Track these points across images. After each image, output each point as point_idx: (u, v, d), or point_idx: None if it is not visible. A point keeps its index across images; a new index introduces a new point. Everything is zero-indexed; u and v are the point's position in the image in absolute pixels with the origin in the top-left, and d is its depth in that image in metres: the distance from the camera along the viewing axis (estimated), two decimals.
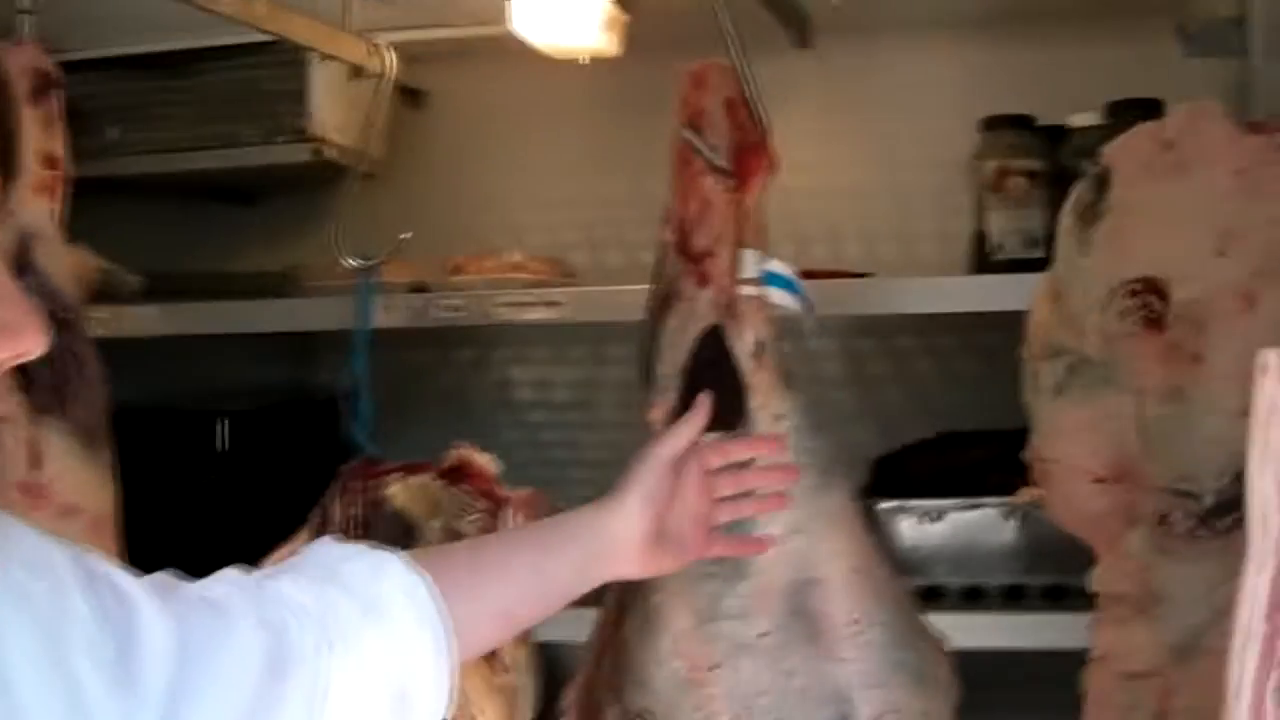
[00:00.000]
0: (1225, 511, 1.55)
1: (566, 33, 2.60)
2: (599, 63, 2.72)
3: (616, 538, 1.54)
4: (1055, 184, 2.74)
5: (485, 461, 2.30)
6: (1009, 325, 2.97)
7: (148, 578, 1.17)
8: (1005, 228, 2.72)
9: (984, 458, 2.78)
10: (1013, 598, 2.50)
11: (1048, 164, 2.73)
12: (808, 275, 2.04)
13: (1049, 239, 2.68)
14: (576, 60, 2.71)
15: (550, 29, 2.59)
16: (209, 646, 1.14)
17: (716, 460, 1.74)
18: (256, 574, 1.27)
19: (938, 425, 2.87)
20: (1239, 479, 1.56)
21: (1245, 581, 0.87)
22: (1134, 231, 1.58)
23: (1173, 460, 1.57)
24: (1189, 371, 1.56)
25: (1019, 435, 2.84)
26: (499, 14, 2.63)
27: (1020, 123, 2.77)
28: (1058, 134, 2.79)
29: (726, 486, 1.74)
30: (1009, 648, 2.39)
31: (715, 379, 1.95)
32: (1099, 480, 1.64)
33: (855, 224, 3.10)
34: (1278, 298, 1.52)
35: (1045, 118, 2.78)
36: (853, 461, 2.07)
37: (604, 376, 3.23)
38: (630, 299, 2.64)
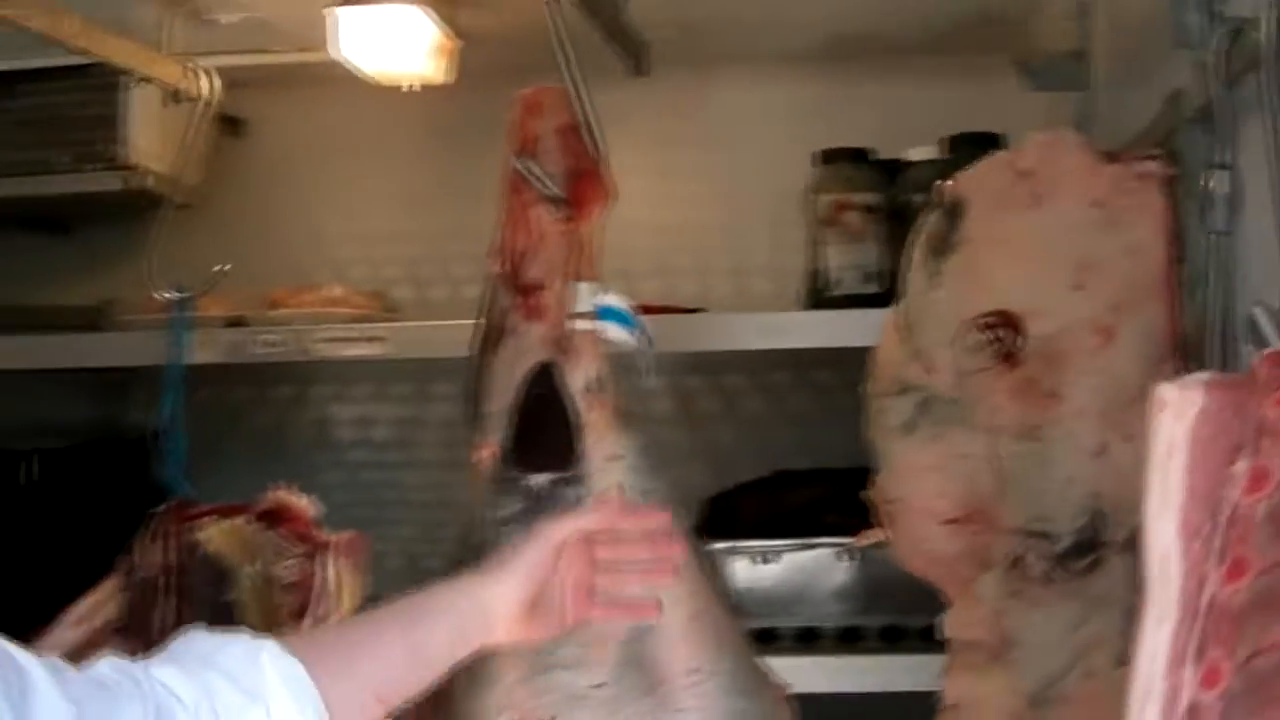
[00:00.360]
0: (1082, 553, 1.51)
1: (394, 59, 2.51)
2: (428, 91, 2.63)
3: (492, 609, 1.48)
4: (892, 219, 2.71)
5: (303, 504, 2.18)
6: (845, 362, 2.95)
7: (41, 657, 1.15)
8: (841, 263, 2.68)
9: (818, 497, 2.73)
10: (848, 640, 2.45)
11: (885, 198, 2.70)
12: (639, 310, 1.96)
13: (886, 274, 2.67)
14: (403, 88, 2.60)
15: (377, 55, 2.49)
16: None
17: (603, 534, 1.63)
18: (140, 662, 1.25)
19: (771, 464, 2.81)
20: (1096, 519, 1.53)
21: (1144, 635, 0.81)
22: (988, 264, 1.52)
23: (1028, 501, 1.51)
24: (1045, 409, 1.50)
25: (854, 474, 2.80)
26: (324, 40, 2.53)
27: (857, 156, 2.74)
28: (895, 168, 2.76)
29: (606, 553, 1.63)
30: (846, 691, 2.34)
31: (547, 418, 1.86)
32: (949, 522, 1.57)
33: (689, 258, 3.04)
34: (1136, 331, 1.47)
35: (883, 152, 2.75)
36: (686, 502, 1.98)
37: (428, 414, 3.13)
38: (455, 334, 2.54)
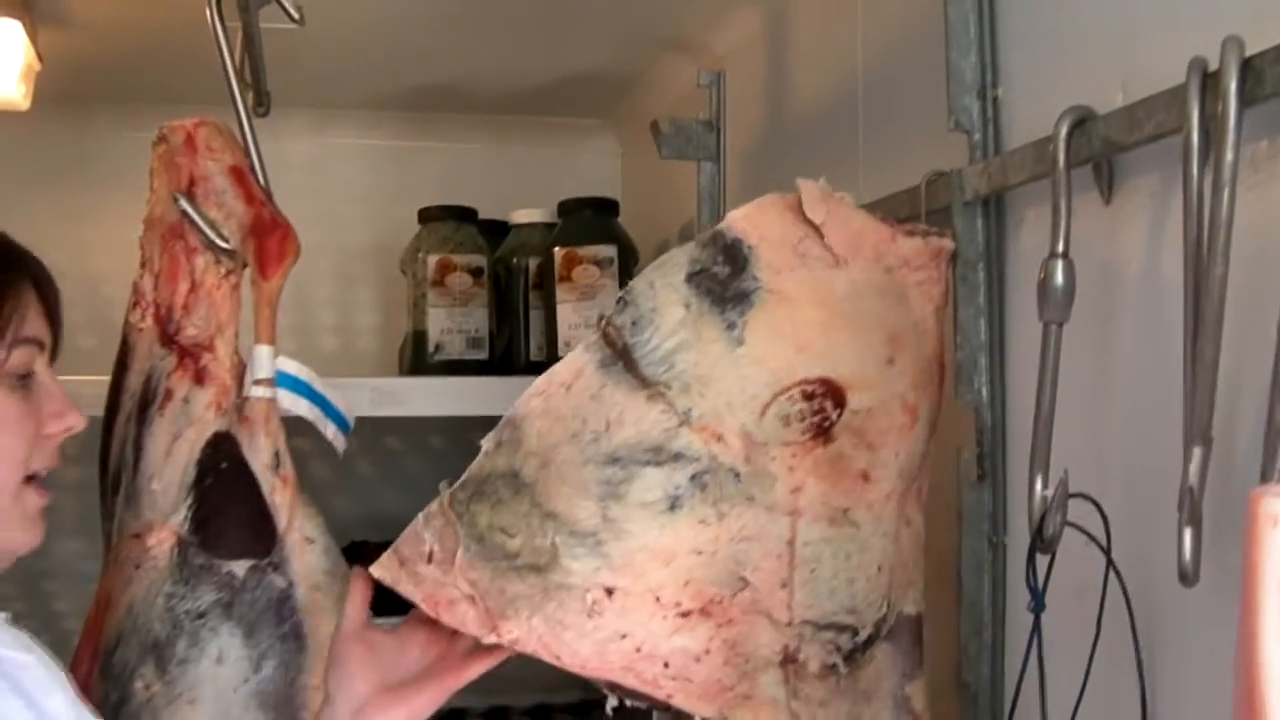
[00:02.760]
0: (869, 645, 1.42)
1: None
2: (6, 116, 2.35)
3: (341, 713, 1.35)
4: (497, 282, 2.62)
5: None
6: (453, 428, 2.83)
7: None
8: (446, 326, 2.56)
9: None
10: (540, 716, 2.35)
11: (490, 260, 2.60)
12: None
13: (489, 339, 2.57)
14: None
15: None
16: None
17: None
18: None
19: (384, 533, 2.64)
20: (889, 608, 1.45)
21: None
22: (804, 324, 1.34)
23: (830, 591, 1.39)
24: (856, 490, 1.38)
25: None
26: None
27: (462, 215, 2.62)
28: (500, 229, 2.66)
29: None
30: None
31: (235, 498, 1.66)
32: (685, 615, 1.40)
33: (294, 314, 2.84)
34: (926, 413, 1.41)
35: (484, 212, 2.65)
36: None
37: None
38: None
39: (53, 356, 1.41)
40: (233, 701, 1.63)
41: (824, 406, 1.36)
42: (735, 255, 1.38)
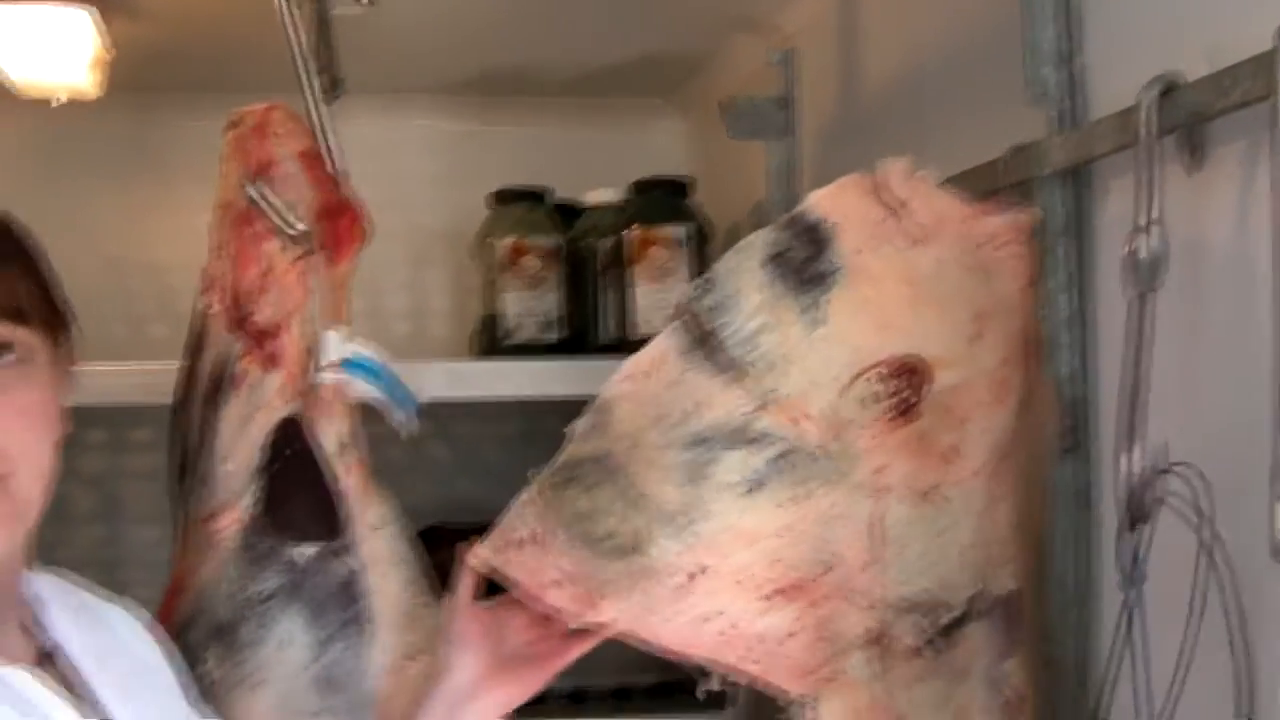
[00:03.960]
0: (961, 624, 1.41)
1: (47, 68, 2.21)
2: (66, 107, 2.35)
3: (460, 682, 1.40)
4: (572, 263, 2.61)
5: None
6: (530, 411, 2.83)
7: None
8: (519, 309, 2.55)
9: None
10: (620, 698, 2.35)
11: (564, 242, 2.59)
12: None
13: (565, 321, 2.56)
14: (44, 103, 2.32)
15: (29, 62, 2.20)
16: None
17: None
18: None
19: (459, 516, 2.64)
20: (985, 585, 1.43)
21: None
22: (887, 303, 1.34)
23: (914, 569, 1.37)
24: (943, 467, 1.37)
25: None
26: None
27: (534, 197, 2.61)
28: (573, 211, 2.66)
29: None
30: None
31: (299, 481, 1.66)
32: (771, 595, 1.39)
33: (364, 300, 2.84)
34: (1016, 388, 1.39)
35: (558, 194, 2.64)
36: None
37: (75, 466, 2.80)
38: (101, 381, 2.31)
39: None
40: (297, 685, 1.64)
41: (907, 385, 1.35)
42: (816, 236, 1.38)
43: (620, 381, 1.42)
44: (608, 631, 1.36)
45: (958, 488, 1.37)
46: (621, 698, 2.38)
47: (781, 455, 1.36)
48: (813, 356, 1.35)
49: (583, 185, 2.65)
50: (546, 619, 1.39)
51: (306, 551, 1.63)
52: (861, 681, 1.39)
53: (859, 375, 1.35)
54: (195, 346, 1.78)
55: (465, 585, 1.42)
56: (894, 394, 1.35)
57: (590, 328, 2.59)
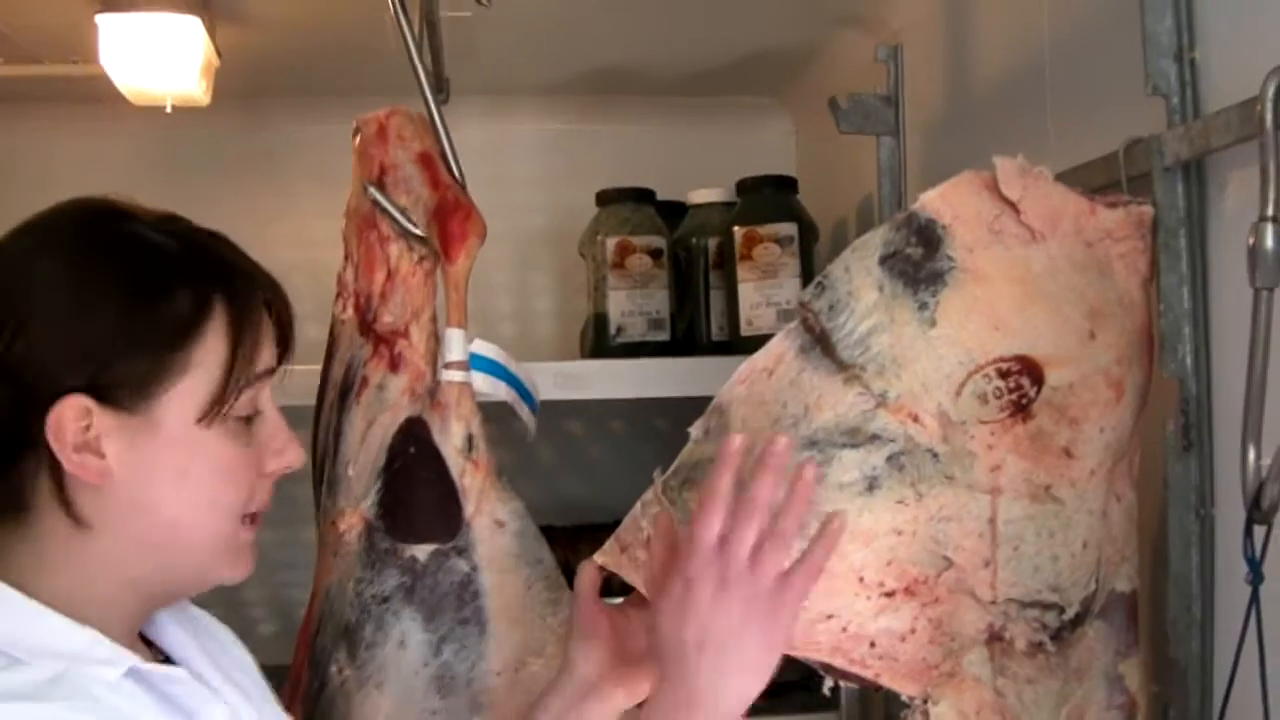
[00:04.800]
0: (1080, 623, 1.40)
1: (158, 76, 2.25)
2: (180, 113, 2.39)
3: (584, 674, 1.41)
4: (677, 263, 2.61)
5: None
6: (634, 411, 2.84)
7: None
8: (627, 308, 2.56)
9: None
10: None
11: (669, 241, 2.60)
12: None
13: (670, 320, 2.57)
14: (159, 110, 2.36)
15: (140, 70, 2.23)
16: None
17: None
18: None
19: (566, 517, 2.66)
20: (1099, 585, 1.43)
21: None
22: (999, 302, 1.33)
23: (1034, 568, 1.37)
24: (1058, 467, 1.36)
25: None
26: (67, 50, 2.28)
27: (640, 197, 2.62)
28: (678, 210, 2.66)
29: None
30: None
31: (419, 481, 1.67)
32: (889, 594, 1.39)
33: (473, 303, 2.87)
34: (1133, 386, 1.38)
35: (661, 193, 2.65)
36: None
37: None
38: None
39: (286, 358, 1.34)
40: (414, 685, 1.65)
41: (1021, 383, 1.35)
42: (929, 236, 1.38)
43: (738, 384, 1.43)
44: None
45: (1072, 487, 1.37)
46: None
47: (895, 455, 1.37)
48: (925, 357, 1.36)
49: (689, 184, 2.67)
50: None
51: (422, 552, 1.65)
52: (977, 679, 1.38)
53: (971, 375, 1.35)
54: (329, 353, 1.81)
55: (590, 581, 1.43)
56: (1006, 394, 1.35)
57: (697, 326, 2.60)
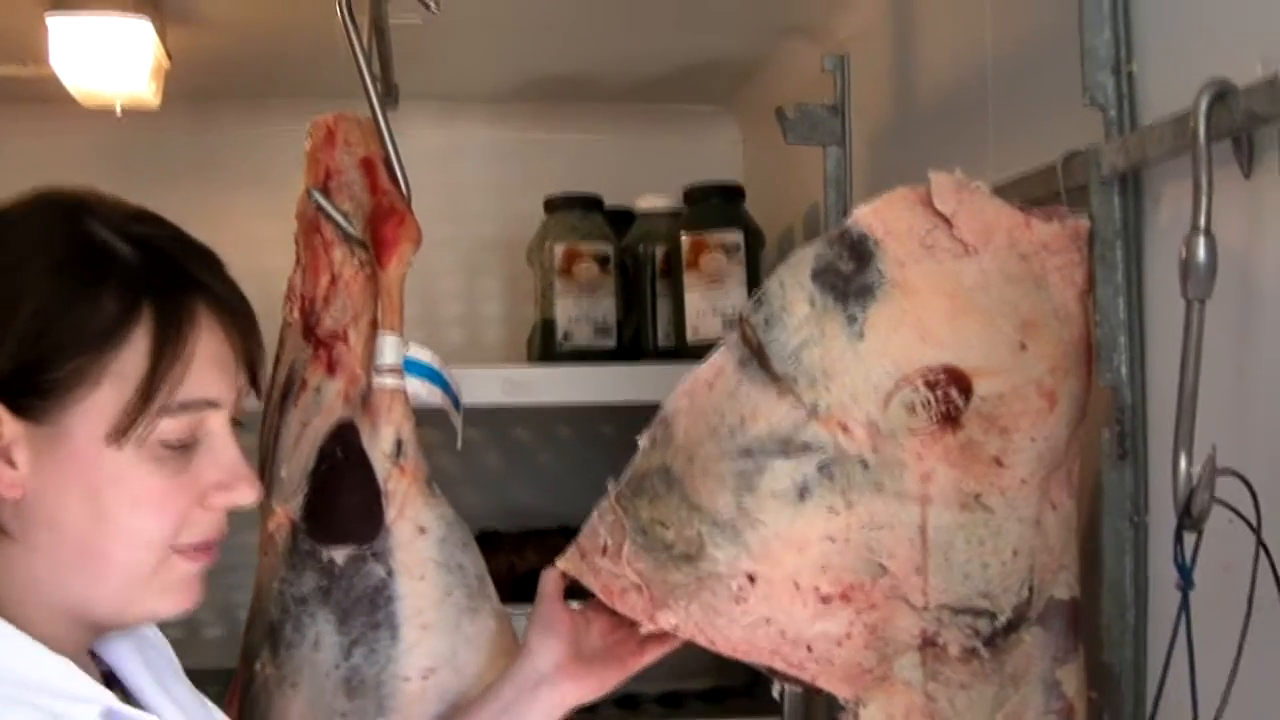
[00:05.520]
0: (1012, 629, 1.42)
1: (108, 78, 2.25)
2: (130, 115, 2.38)
3: (539, 666, 1.45)
4: (624, 270, 2.63)
5: None
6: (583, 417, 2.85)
7: None
8: (574, 314, 2.57)
9: (548, 559, 2.63)
10: (672, 704, 2.37)
11: (617, 248, 2.61)
12: None
13: (616, 327, 2.58)
14: (108, 111, 2.35)
15: (90, 72, 2.23)
16: None
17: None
18: None
19: (513, 522, 2.67)
20: (1031, 592, 1.45)
21: None
22: (927, 315, 1.35)
23: (964, 575, 1.39)
24: (988, 475, 1.38)
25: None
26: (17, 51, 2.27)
27: (587, 204, 2.63)
28: (626, 217, 2.67)
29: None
30: None
31: (346, 484, 1.68)
32: (825, 600, 1.42)
33: (419, 306, 2.87)
34: (1067, 396, 1.40)
35: (612, 201, 2.66)
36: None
37: None
38: None
39: (256, 392, 1.25)
40: (325, 686, 1.66)
41: (949, 394, 1.38)
42: (861, 251, 1.41)
43: (681, 395, 1.47)
44: (681, 637, 1.41)
45: (1002, 496, 1.39)
46: (673, 703, 2.40)
47: (826, 464, 1.40)
48: (854, 369, 1.39)
49: (638, 191, 2.68)
50: (628, 623, 1.44)
51: (341, 554, 1.65)
52: (907, 684, 1.41)
53: (898, 386, 1.38)
54: (276, 356, 1.81)
55: (554, 584, 1.47)
56: (934, 404, 1.37)
57: (644, 333, 2.62)
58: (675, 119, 2.99)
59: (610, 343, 2.58)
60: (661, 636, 1.43)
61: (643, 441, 1.48)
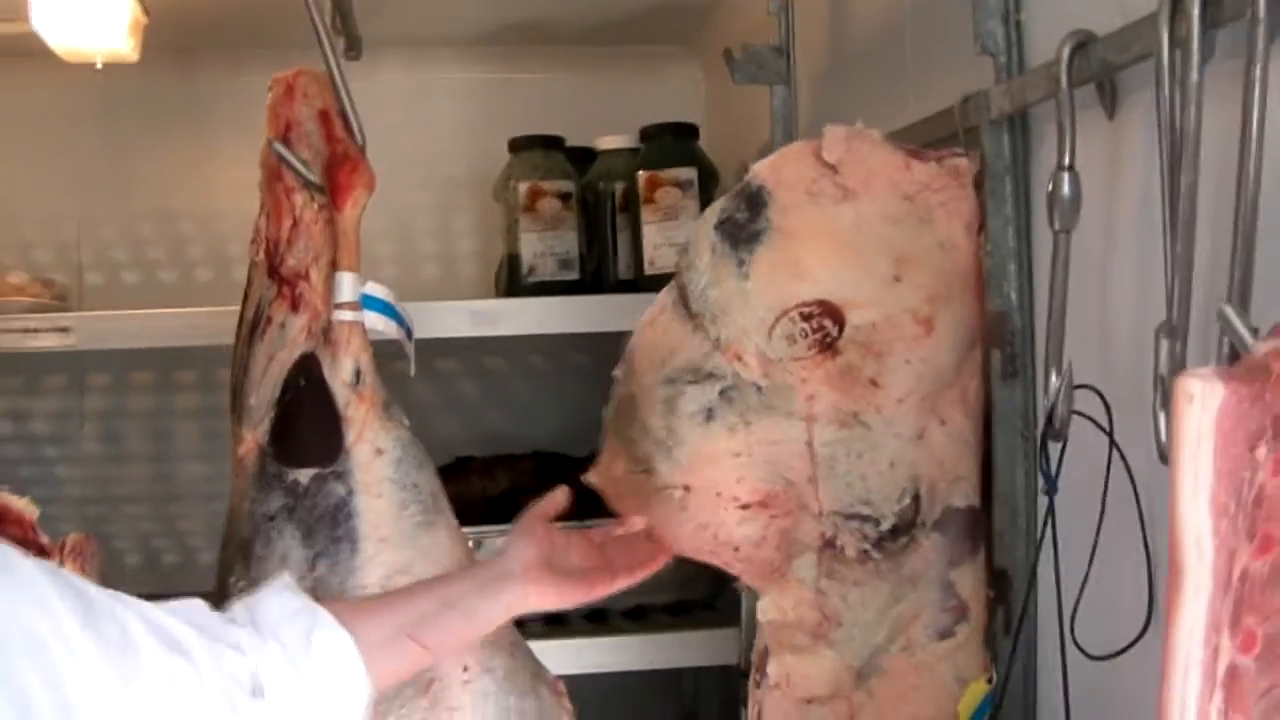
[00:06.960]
0: (899, 534, 1.58)
1: (88, 34, 2.36)
2: (109, 69, 2.49)
3: (509, 564, 1.54)
4: (585, 206, 2.75)
5: (21, 505, 2.04)
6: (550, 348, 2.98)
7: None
8: (538, 250, 2.69)
9: (517, 484, 2.76)
10: (636, 617, 2.54)
11: (578, 186, 2.73)
12: None
13: (579, 260, 2.70)
14: (92, 65, 2.47)
15: (70, 29, 2.34)
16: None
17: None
18: (221, 617, 1.40)
19: (489, 448, 2.81)
20: (915, 501, 1.60)
21: (1180, 607, 0.84)
22: (804, 255, 1.54)
23: (846, 485, 1.58)
24: (865, 396, 1.56)
25: (551, 459, 2.84)
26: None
27: (549, 143, 2.75)
28: (587, 156, 2.79)
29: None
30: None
31: (308, 412, 1.80)
32: (744, 507, 1.60)
33: (393, 244, 3.01)
34: (950, 321, 1.54)
35: (573, 140, 2.78)
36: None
37: (128, 406, 2.98)
38: (150, 324, 2.47)
39: None
40: None
41: (824, 324, 1.58)
42: (756, 201, 1.61)
43: (638, 330, 1.69)
44: (648, 570, 1.60)
45: (878, 414, 1.57)
46: (639, 616, 2.53)
47: (726, 389, 1.62)
48: (742, 306, 1.60)
49: (601, 131, 2.79)
50: (603, 553, 1.60)
51: (304, 475, 1.77)
52: (800, 580, 1.60)
53: (778, 320, 1.58)
54: (245, 293, 1.94)
55: (551, 502, 1.61)
56: (811, 334, 1.56)
57: (605, 266, 2.73)
58: (639, 60, 3.09)
59: (573, 275, 2.70)
60: (630, 571, 1.58)
61: (616, 373, 1.71)
